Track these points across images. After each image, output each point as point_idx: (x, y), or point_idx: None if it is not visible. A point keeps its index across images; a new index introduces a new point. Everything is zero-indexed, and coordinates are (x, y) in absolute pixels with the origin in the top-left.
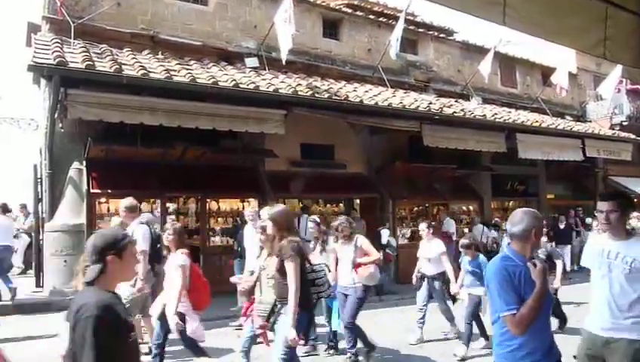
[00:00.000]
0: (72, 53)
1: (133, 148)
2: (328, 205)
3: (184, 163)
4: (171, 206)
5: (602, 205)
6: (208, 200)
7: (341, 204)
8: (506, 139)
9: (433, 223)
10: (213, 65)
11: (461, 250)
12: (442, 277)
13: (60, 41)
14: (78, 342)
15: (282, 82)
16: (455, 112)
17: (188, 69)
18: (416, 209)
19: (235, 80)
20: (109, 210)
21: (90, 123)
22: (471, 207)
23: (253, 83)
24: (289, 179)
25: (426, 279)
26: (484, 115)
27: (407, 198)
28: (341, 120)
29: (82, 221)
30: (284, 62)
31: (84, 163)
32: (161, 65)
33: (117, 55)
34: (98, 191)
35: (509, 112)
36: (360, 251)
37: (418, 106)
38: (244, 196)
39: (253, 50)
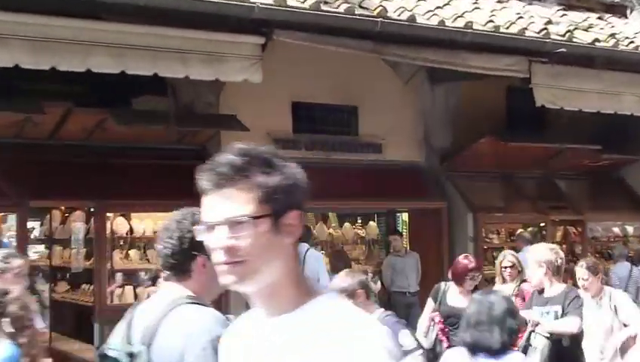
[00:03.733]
0: None
1: None
2: (347, 224)
3: (62, 141)
4: (36, 225)
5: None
6: (110, 214)
7: (372, 222)
8: None
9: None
10: None
11: None
12: None
13: None
14: None
15: None
16: (597, 41)
17: None
18: (520, 230)
19: None
20: None
21: None
22: (630, 228)
23: None
24: None
25: None
26: None
27: (503, 210)
28: (372, 56)
29: None
30: None
31: None
32: None
33: None
34: None
35: None
36: None
37: (524, 29)
38: (183, 205)
39: None
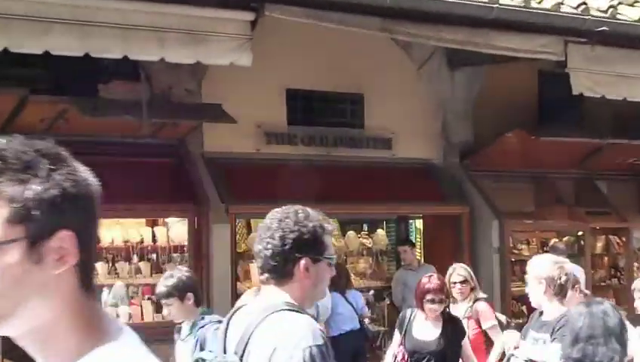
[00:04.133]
0: None
1: None
2: (351, 232)
3: (18, 135)
4: None
5: None
6: None
7: (380, 231)
8: None
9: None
10: None
11: None
12: None
13: None
14: None
15: None
16: None
17: None
18: (554, 240)
19: None
20: None
21: None
22: None
23: None
24: (260, 174)
25: None
26: None
27: (534, 216)
28: (380, 36)
29: None
30: None
31: None
32: None
33: None
34: None
35: None
36: None
37: (559, 4)
38: (158, 211)
39: None
